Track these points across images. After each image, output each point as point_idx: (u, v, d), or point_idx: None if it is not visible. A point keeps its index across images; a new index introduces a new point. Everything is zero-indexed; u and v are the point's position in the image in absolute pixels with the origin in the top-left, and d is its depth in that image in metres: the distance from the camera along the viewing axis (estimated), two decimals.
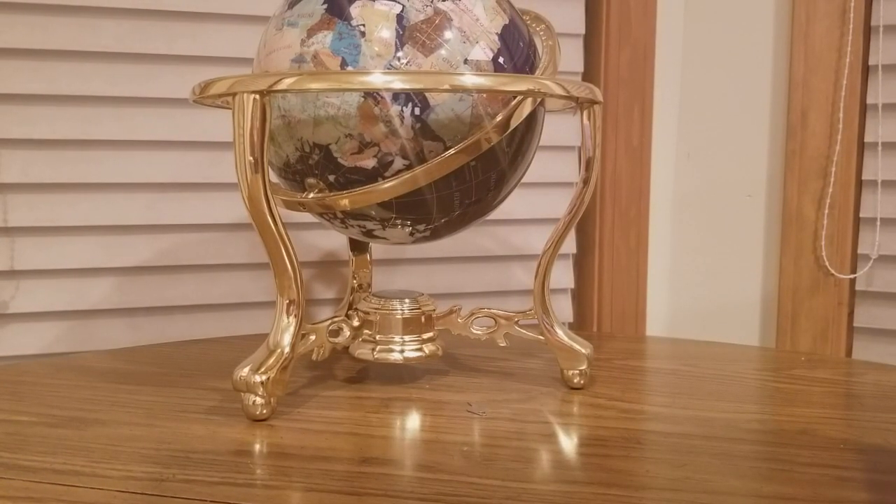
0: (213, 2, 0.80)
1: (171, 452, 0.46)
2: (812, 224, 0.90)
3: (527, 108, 0.55)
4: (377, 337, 0.60)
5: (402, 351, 0.60)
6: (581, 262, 0.98)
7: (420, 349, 0.61)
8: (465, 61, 0.53)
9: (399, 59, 0.52)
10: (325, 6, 0.53)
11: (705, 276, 0.98)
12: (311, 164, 0.55)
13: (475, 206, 0.58)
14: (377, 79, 0.49)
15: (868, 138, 0.89)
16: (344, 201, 0.55)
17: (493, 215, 0.63)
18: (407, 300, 0.61)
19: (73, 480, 0.42)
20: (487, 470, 0.44)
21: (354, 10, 0.53)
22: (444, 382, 0.62)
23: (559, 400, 0.58)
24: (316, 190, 0.56)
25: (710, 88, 0.96)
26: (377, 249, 0.81)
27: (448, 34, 0.53)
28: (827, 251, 0.89)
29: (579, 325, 0.98)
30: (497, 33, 0.55)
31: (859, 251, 0.90)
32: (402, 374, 0.64)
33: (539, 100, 0.56)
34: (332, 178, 0.55)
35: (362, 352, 0.61)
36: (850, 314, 0.91)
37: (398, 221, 0.57)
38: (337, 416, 0.53)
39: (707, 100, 0.96)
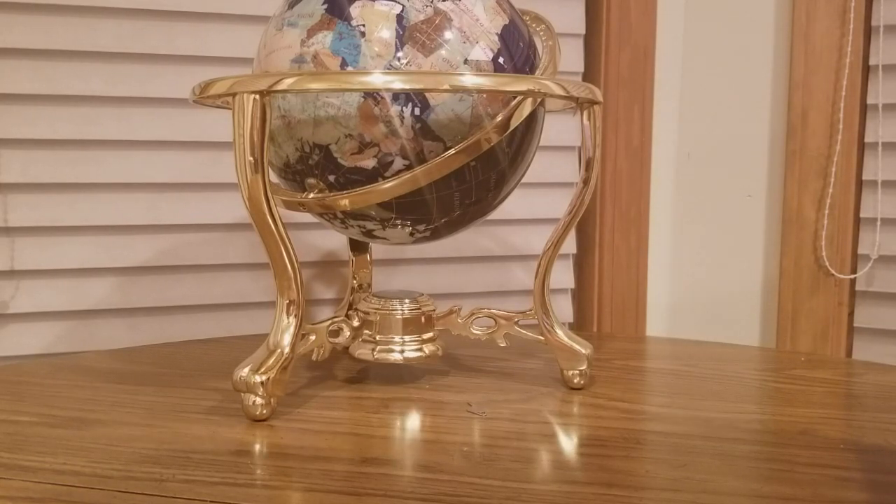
0: (213, 2, 0.80)
1: (171, 452, 0.46)
2: (812, 224, 0.90)
3: (527, 108, 0.55)
4: (377, 337, 0.60)
5: (402, 351, 0.60)
6: (581, 262, 0.98)
7: (420, 349, 0.61)
8: (465, 61, 0.53)
9: (399, 59, 0.52)
10: (325, 6, 0.53)
11: (705, 277, 0.98)
12: (311, 165, 0.55)
13: (475, 206, 0.58)
14: (377, 79, 0.49)
15: (868, 138, 0.89)
16: (344, 201, 0.55)
17: (493, 215, 0.63)
18: (407, 300, 0.61)
19: (73, 480, 0.42)
20: (487, 470, 0.44)
21: (354, 11, 0.53)
22: (444, 382, 0.62)
23: (559, 400, 0.58)
24: (316, 190, 0.56)
25: (710, 88, 0.96)
26: (377, 249, 0.81)
27: (448, 34, 0.53)
28: (827, 251, 0.89)
29: (579, 325, 0.98)
30: (497, 33, 0.55)
31: (859, 251, 0.90)
32: (402, 375, 0.64)
33: (539, 100, 0.56)
34: (332, 178, 0.55)
35: (362, 352, 0.61)
36: (850, 314, 0.91)
37: (398, 221, 0.57)
38: (337, 417, 0.53)
39: (707, 100, 0.96)
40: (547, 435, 0.50)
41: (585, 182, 0.59)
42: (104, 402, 0.56)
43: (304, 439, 0.49)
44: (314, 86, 0.49)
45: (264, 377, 0.51)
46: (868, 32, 0.88)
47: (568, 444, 0.49)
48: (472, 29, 0.54)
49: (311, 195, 0.56)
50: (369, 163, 0.54)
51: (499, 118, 0.54)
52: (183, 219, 0.82)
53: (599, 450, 0.48)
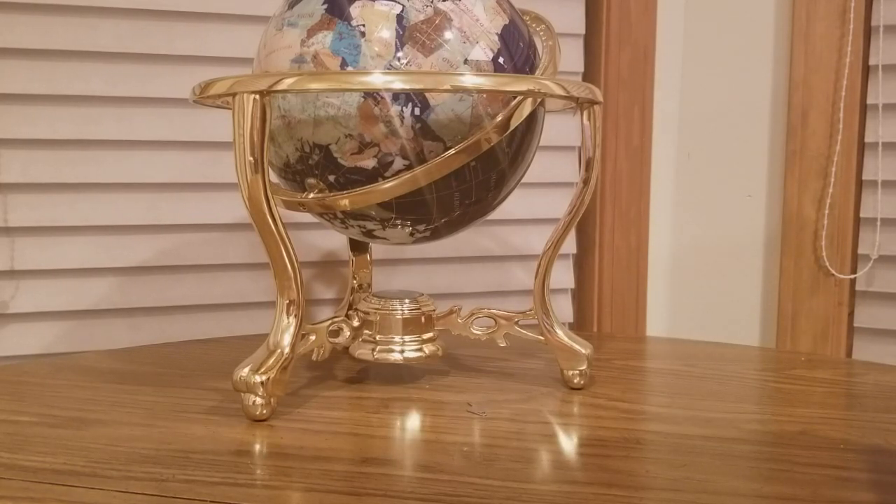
0: (213, 2, 0.80)
1: (171, 452, 0.46)
2: (812, 224, 0.90)
3: (527, 108, 0.55)
4: (377, 337, 0.60)
5: (402, 351, 0.60)
6: (581, 262, 0.98)
7: (420, 349, 0.61)
8: (465, 61, 0.53)
9: (399, 59, 0.52)
10: (325, 6, 0.53)
11: (705, 277, 0.98)
12: (311, 165, 0.55)
13: (475, 206, 0.58)
14: (377, 79, 0.49)
15: (868, 138, 0.89)
16: (344, 201, 0.55)
17: (493, 215, 0.63)
18: (407, 300, 0.61)
19: (73, 480, 0.42)
20: (487, 470, 0.44)
21: (354, 11, 0.53)
22: (444, 382, 0.62)
23: (559, 400, 0.58)
24: (316, 190, 0.56)
25: (710, 88, 0.96)
26: (377, 249, 0.81)
27: (448, 34, 0.53)
28: (827, 251, 0.89)
29: (579, 325, 0.98)
30: (497, 33, 0.55)
31: (859, 251, 0.90)
32: (402, 375, 0.64)
33: (539, 100, 0.56)
34: (332, 178, 0.55)
35: (362, 352, 0.61)
36: (850, 314, 0.91)
37: (398, 221, 0.57)
38: (337, 417, 0.53)
39: (707, 100, 0.96)
40: (547, 435, 0.50)
41: (585, 182, 0.59)
42: (104, 402, 0.56)
43: (304, 439, 0.49)
44: (314, 86, 0.49)
45: (264, 377, 0.51)
46: (868, 32, 0.88)
47: (568, 444, 0.49)
48: (472, 29, 0.54)
49: (311, 195, 0.56)
50: (369, 163, 0.54)
51: (499, 118, 0.54)
52: (183, 219, 0.82)
53: (599, 450, 0.48)
